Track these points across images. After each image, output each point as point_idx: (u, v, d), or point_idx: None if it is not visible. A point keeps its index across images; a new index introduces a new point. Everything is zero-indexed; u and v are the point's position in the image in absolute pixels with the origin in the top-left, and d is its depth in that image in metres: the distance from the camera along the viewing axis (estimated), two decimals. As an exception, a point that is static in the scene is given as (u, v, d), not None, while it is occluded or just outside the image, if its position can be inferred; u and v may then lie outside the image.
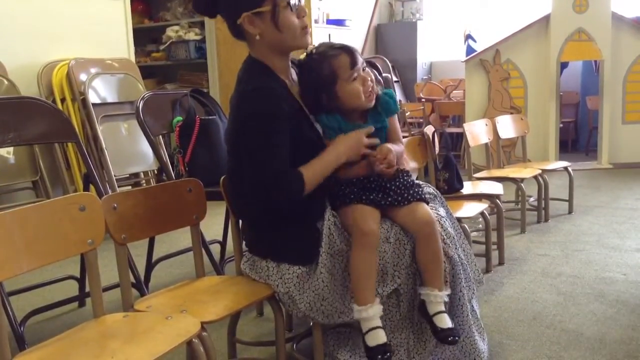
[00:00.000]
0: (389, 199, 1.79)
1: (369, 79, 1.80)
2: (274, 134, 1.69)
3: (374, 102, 1.83)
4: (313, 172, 1.73)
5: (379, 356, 1.67)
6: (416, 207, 1.79)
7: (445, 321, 1.73)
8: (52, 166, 3.78)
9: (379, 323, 1.71)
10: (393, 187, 1.82)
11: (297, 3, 1.74)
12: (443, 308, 1.75)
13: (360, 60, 1.80)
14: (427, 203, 1.86)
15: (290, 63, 1.87)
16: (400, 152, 1.89)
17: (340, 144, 1.78)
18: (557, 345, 2.11)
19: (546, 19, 5.50)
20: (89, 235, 1.57)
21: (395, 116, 1.94)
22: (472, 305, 1.91)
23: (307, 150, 1.75)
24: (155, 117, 2.57)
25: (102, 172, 3.80)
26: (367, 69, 1.83)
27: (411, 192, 1.82)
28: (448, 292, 1.79)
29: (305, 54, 1.85)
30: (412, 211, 1.78)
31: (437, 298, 1.75)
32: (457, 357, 1.86)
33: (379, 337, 1.69)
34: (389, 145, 1.82)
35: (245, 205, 1.84)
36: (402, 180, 1.85)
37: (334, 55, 1.78)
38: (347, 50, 1.79)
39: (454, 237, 1.88)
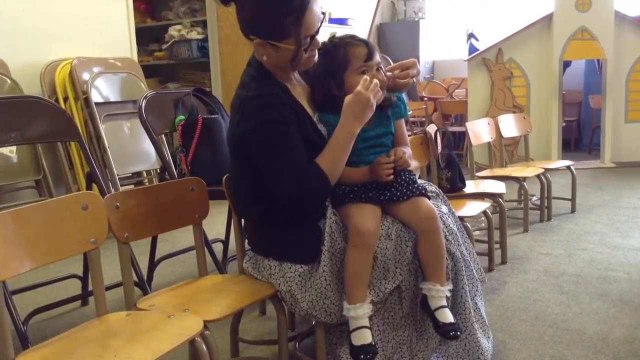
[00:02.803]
0: (388, 194, 1.79)
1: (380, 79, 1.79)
2: (287, 138, 1.69)
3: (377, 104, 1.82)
4: (329, 158, 1.71)
5: (362, 356, 1.68)
6: (418, 203, 1.79)
7: (446, 316, 1.74)
8: (54, 165, 3.79)
9: (366, 323, 1.72)
10: (394, 184, 1.81)
11: (318, 40, 1.74)
12: (445, 303, 1.76)
13: (376, 58, 1.79)
14: (429, 198, 1.86)
15: None
16: (411, 156, 1.89)
17: (345, 117, 1.73)
18: (559, 344, 2.11)
19: (549, 18, 5.49)
20: (91, 234, 1.57)
21: (403, 121, 1.94)
22: (476, 303, 1.91)
23: (311, 152, 1.74)
24: (158, 116, 2.57)
25: (104, 171, 3.81)
26: (382, 71, 1.81)
27: (411, 187, 1.82)
28: (450, 287, 1.79)
29: (328, 39, 1.84)
30: (415, 206, 1.78)
31: (439, 293, 1.75)
32: (460, 355, 1.86)
33: (364, 337, 1.70)
34: (402, 148, 1.83)
35: (249, 204, 1.84)
36: (403, 177, 1.85)
37: (352, 44, 1.79)
38: (367, 44, 1.79)
39: (456, 234, 1.88)
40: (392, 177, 1.78)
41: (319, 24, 1.71)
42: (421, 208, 1.78)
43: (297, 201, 1.72)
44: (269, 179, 1.73)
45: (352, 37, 1.83)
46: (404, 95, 2.07)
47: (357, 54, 1.77)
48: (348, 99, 1.72)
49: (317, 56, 1.80)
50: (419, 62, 7.23)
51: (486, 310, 2.02)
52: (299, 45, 1.69)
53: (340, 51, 1.78)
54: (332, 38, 1.82)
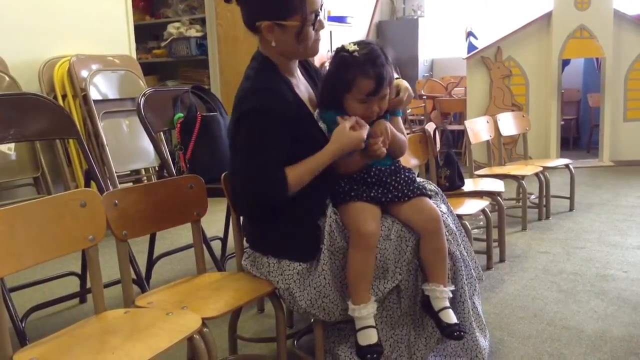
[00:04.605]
0: (390, 195, 1.80)
1: (376, 111, 1.79)
2: (269, 135, 1.69)
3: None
4: (301, 171, 1.72)
5: (368, 355, 1.69)
6: (421, 203, 1.79)
7: (451, 317, 1.74)
8: (53, 162, 3.79)
9: (372, 322, 1.72)
10: (394, 183, 1.82)
11: (322, 21, 1.77)
12: (448, 304, 1.76)
13: (382, 92, 1.77)
14: (430, 198, 1.86)
15: (297, 62, 1.89)
16: (404, 141, 1.90)
17: (333, 144, 1.75)
18: (557, 343, 2.11)
19: (548, 16, 5.49)
20: (90, 232, 1.57)
21: (399, 117, 1.94)
22: (473, 302, 1.91)
23: (310, 148, 1.75)
24: (157, 114, 2.57)
25: (103, 168, 3.80)
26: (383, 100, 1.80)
27: (411, 187, 1.82)
28: (452, 287, 1.79)
29: (354, 44, 1.79)
30: (418, 207, 1.79)
31: (442, 294, 1.75)
32: (458, 354, 1.86)
33: (370, 337, 1.71)
34: (384, 122, 1.82)
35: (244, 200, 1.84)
36: (403, 175, 1.85)
37: (364, 73, 1.73)
38: (379, 79, 1.74)
39: (455, 234, 1.89)
40: (384, 149, 1.78)
41: (321, 1, 1.75)
42: (425, 209, 1.78)
43: (250, 198, 1.74)
44: (238, 163, 1.73)
45: (372, 61, 1.74)
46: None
47: (363, 86, 1.74)
48: (344, 131, 1.73)
49: (320, 42, 1.81)
50: (417, 60, 7.14)
51: (484, 309, 2.03)
52: (305, 20, 1.71)
53: (351, 73, 1.74)
54: (355, 51, 1.76)
